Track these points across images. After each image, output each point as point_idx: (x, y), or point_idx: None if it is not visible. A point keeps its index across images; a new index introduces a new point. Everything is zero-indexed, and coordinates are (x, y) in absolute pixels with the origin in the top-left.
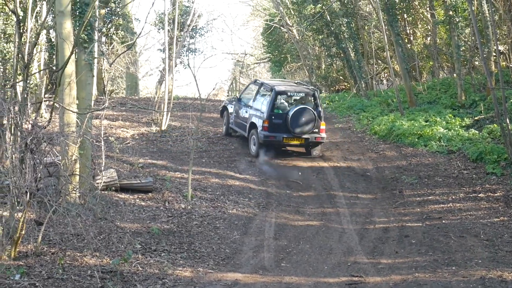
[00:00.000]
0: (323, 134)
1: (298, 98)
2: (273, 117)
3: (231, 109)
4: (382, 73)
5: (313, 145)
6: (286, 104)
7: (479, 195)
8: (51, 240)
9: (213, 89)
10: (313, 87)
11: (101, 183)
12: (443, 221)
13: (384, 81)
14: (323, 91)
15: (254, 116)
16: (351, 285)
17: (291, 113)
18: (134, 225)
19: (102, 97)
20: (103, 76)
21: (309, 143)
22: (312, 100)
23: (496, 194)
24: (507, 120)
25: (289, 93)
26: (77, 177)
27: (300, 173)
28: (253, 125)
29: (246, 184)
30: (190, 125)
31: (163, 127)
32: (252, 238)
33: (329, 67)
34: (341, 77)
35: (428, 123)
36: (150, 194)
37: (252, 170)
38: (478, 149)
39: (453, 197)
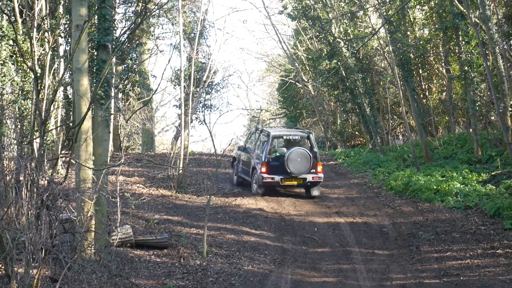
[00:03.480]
0: (320, 174)
1: (294, 141)
2: (270, 159)
3: (238, 158)
4: (398, 128)
5: (311, 185)
6: (283, 147)
7: (497, 251)
8: None
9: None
10: (308, 130)
11: (116, 239)
12: (461, 278)
13: (400, 136)
14: (338, 146)
15: (255, 161)
16: None
17: (287, 155)
18: (149, 281)
19: (118, 153)
20: (119, 132)
21: (307, 183)
22: (308, 142)
23: None
24: None
25: (284, 137)
26: (93, 234)
27: (316, 229)
28: (254, 169)
29: (262, 240)
30: (205, 181)
31: (179, 184)
32: None
33: (345, 122)
34: (356, 132)
35: (444, 178)
36: (165, 250)
37: (267, 226)
38: (496, 204)
39: (471, 253)
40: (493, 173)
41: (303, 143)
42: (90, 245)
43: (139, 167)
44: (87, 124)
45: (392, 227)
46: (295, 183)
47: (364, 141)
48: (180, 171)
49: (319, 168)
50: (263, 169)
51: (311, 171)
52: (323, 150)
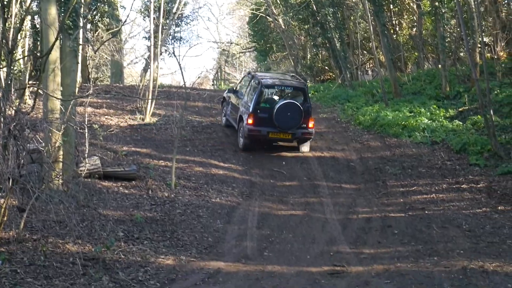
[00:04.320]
0: (311, 130)
1: (286, 92)
2: (258, 111)
3: (228, 100)
4: (367, 63)
5: (301, 141)
6: (274, 98)
7: (462, 186)
8: (33, 227)
9: (198, 78)
10: (303, 82)
11: (84, 170)
12: (426, 212)
13: (369, 72)
14: (308, 80)
15: (242, 110)
16: (333, 274)
17: (276, 107)
18: (117, 212)
19: (86, 84)
20: (87, 63)
21: (296, 138)
22: (301, 95)
23: (479, 185)
24: (491, 111)
25: (277, 87)
26: (60, 164)
27: (284, 163)
28: (241, 119)
29: (230, 173)
30: (174, 113)
31: (148, 116)
32: (235, 227)
33: (315, 57)
34: (326, 67)
35: (412, 114)
36: (133, 182)
37: (236, 159)
38: (462, 140)
39: (436, 188)
40: (460, 109)
41: (296, 95)
42: (57, 176)
43: (107, 98)
44: (55, 54)
45: (359, 161)
46: (283, 137)
47: (333, 76)
48: (150, 103)
49: (311, 124)
50: (250, 121)
51: (302, 126)
52: None
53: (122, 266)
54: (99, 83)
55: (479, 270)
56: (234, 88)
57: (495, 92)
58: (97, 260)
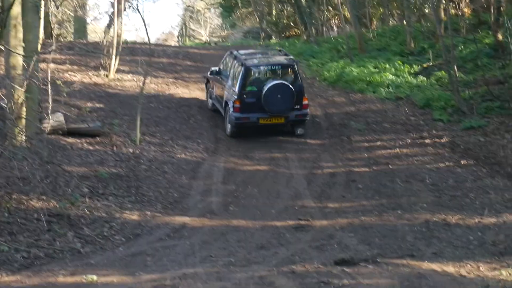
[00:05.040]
0: (305, 110)
1: (274, 71)
2: (245, 96)
3: (212, 82)
4: (333, 19)
5: (295, 123)
6: (262, 79)
7: (426, 141)
8: None
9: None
10: (292, 58)
11: (48, 127)
12: (390, 167)
13: (335, 28)
14: (273, 37)
15: (227, 95)
16: (298, 228)
17: (264, 90)
18: (82, 169)
19: (49, 40)
20: (50, 19)
21: (290, 121)
22: (291, 73)
23: (442, 140)
24: (455, 67)
25: (263, 67)
26: (24, 121)
27: None
28: (227, 105)
29: (195, 129)
30: (139, 70)
31: (112, 72)
32: (200, 182)
33: (280, 13)
34: (291, 24)
35: (377, 69)
36: (98, 138)
37: (201, 115)
38: (426, 95)
39: (400, 143)
40: (424, 65)
41: (285, 74)
42: (21, 132)
43: (71, 55)
44: (17, 9)
45: (324, 117)
46: (276, 122)
47: (299, 32)
48: (114, 59)
49: (305, 103)
50: (236, 107)
51: (295, 107)
52: (258, 41)
53: (87, 221)
54: (62, 39)
55: (441, 223)
56: (218, 69)
57: (459, 48)
58: (62, 216)
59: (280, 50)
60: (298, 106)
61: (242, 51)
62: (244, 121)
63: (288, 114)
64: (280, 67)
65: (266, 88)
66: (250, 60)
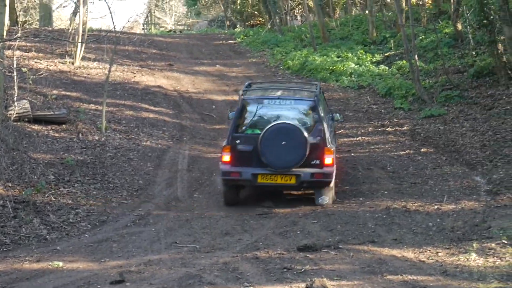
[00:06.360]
0: (329, 169)
1: (285, 108)
2: (238, 141)
3: None
4: (297, 8)
5: (311, 187)
6: (265, 119)
7: (387, 129)
8: None
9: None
10: (315, 88)
11: (13, 114)
12: (352, 154)
13: (298, 17)
14: (238, 25)
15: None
16: (262, 215)
17: (262, 133)
18: (48, 156)
19: (14, 28)
20: (15, 6)
21: (303, 183)
22: (310, 112)
23: (403, 128)
24: (416, 56)
25: (267, 101)
26: None
27: (214, 107)
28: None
29: (160, 116)
30: (104, 57)
31: (77, 60)
32: (166, 170)
33: (244, 2)
34: (256, 12)
35: (340, 58)
36: (63, 125)
37: (166, 103)
38: (387, 84)
39: (362, 131)
40: (386, 54)
41: (302, 114)
42: None
43: (36, 42)
44: None
45: None
46: (280, 183)
47: (263, 21)
48: (79, 47)
49: (328, 159)
50: (226, 158)
51: (312, 162)
52: (223, 29)
53: (53, 208)
54: (27, 27)
55: (401, 209)
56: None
57: (420, 37)
58: (28, 203)
59: (305, 84)
60: (317, 161)
61: (264, 85)
62: (234, 178)
63: (301, 172)
64: (293, 102)
65: (265, 130)
66: (252, 88)
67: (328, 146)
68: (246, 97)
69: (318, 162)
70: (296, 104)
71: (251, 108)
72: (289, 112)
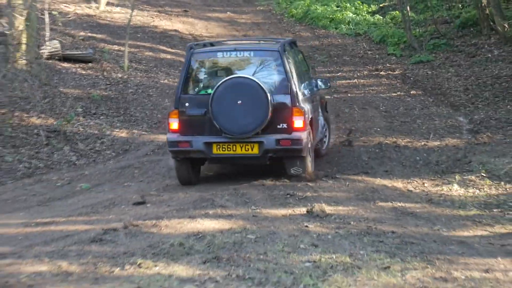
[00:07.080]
0: (299, 134)
1: (243, 61)
2: (187, 104)
3: None
4: None
5: (278, 157)
6: (219, 76)
7: (381, 73)
8: (0, 102)
9: None
10: (285, 39)
11: (45, 52)
12: (349, 95)
13: None
14: None
15: None
16: None
17: (213, 92)
18: (76, 91)
19: None
20: None
21: (268, 153)
22: (273, 65)
23: (395, 73)
24: (408, 7)
25: (220, 54)
26: (24, 46)
27: None
28: None
29: (177, 57)
30: (126, 3)
31: (102, 5)
32: None
33: None
34: None
35: (339, 8)
36: (90, 64)
37: (182, 45)
38: (382, 32)
39: (358, 74)
40: (381, 5)
41: (262, 66)
42: (22, 57)
43: None
44: None
45: None
46: (240, 153)
47: None
48: None
49: (298, 121)
50: (173, 125)
51: (279, 126)
52: None
53: (81, 137)
54: None
55: (392, 145)
56: None
57: None
58: (59, 132)
59: (270, 39)
60: (284, 125)
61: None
62: (184, 149)
63: (263, 139)
64: (252, 53)
65: (215, 87)
66: (204, 42)
67: (298, 105)
68: (196, 50)
69: (285, 125)
70: (256, 55)
71: (202, 63)
72: (248, 65)
